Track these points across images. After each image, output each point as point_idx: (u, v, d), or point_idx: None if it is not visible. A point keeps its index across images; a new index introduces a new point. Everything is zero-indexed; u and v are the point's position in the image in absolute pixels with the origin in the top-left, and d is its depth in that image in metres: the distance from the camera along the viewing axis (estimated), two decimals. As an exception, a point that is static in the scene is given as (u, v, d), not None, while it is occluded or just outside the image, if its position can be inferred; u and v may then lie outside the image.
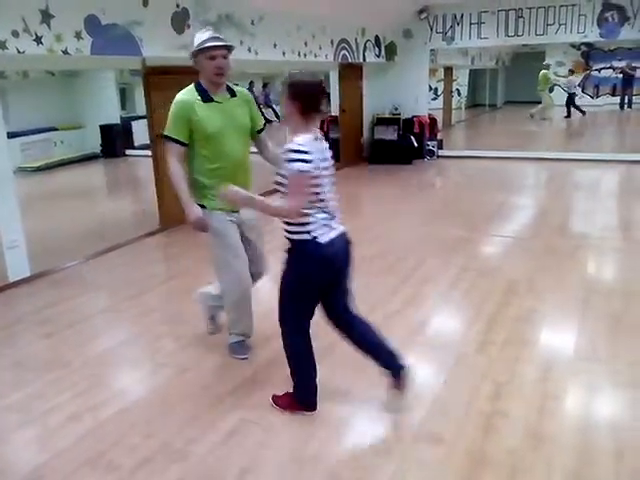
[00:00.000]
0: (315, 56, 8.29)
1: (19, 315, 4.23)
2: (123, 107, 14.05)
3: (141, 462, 2.51)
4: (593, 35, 9.42)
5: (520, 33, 9.71)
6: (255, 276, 3.34)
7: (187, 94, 3.08)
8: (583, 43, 18.17)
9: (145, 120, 6.45)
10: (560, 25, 9.44)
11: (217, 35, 3.06)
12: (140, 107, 12.03)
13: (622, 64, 19.05)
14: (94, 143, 12.67)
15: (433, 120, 10.92)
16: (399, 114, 10.41)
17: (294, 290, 2.62)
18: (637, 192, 7.87)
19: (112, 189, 10.58)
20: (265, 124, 3.43)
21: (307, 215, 2.45)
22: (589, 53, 20.65)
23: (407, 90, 10.60)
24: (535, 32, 9.61)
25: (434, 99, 16.12)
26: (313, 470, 2.43)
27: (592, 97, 20.99)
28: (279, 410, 2.82)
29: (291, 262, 2.58)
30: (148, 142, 6.52)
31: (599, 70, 20.81)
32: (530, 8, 9.53)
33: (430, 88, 12.93)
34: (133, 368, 3.48)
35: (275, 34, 7.26)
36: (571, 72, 17.38)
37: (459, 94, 19.09)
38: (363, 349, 2.76)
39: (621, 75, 19.03)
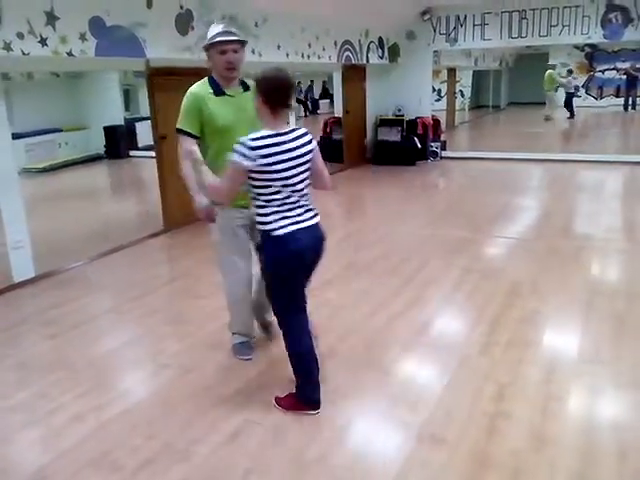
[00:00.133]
0: (319, 57, 8.31)
1: (23, 316, 4.25)
2: (127, 108, 14.09)
3: (144, 462, 2.51)
4: (597, 36, 9.40)
5: (524, 34, 9.70)
6: None
7: (199, 87, 3.08)
8: (587, 44, 18.15)
9: (149, 121, 6.47)
10: (564, 26, 9.42)
11: (229, 29, 3.02)
12: (144, 108, 12.03)
13: (626, 65, 19.04)
14: (98, 144, 12.71)
15: (436, 121, 10.91)
16: (402, 115, 10.40)
17: (272, 275, 2.71)
18: (641, 193, 7.85)
19: (116, 190, 10.61)
20: None
21: (265, 207, 2.54)
22: (593, 54, 20.62)
23: (410, 91, 10.60)
24: (539, 33, 9.60)
25: (437, 100, 16.11)
26: (316, 471, 2.43)
27: (596, 98, 20.97)
28: (282, 411, 2.83)
29: (262, 250, 2.67)
30: (152, 143, 6.53)
31: (603, 71, 20.77)
32: (534, 9, 9.52)
33: (433, 89, 12.94)
34: (136, 369, 3.48)
35: (279, 36, 7.28)
36: (569, 73, 17.36)
37: (462, 95, 19.07)
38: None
39: (625, 76, 19.01)
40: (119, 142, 12.70)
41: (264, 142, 2.45)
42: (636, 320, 3.75)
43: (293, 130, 2.58)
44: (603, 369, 3.17)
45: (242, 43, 3.05)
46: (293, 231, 2.55)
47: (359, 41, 9.41)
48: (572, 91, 16.99)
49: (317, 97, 24.55)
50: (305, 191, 2.62)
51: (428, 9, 10.01)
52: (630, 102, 18.75)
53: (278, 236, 2.53)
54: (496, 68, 20.10)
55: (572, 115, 16.85)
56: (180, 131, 3.07)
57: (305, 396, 2.81)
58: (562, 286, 4.38)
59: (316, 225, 2.67)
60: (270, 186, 2.50)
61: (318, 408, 2.81)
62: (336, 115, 10.98)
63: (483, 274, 4.71)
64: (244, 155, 2.42)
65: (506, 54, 20.15)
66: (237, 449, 2.58)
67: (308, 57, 8.04)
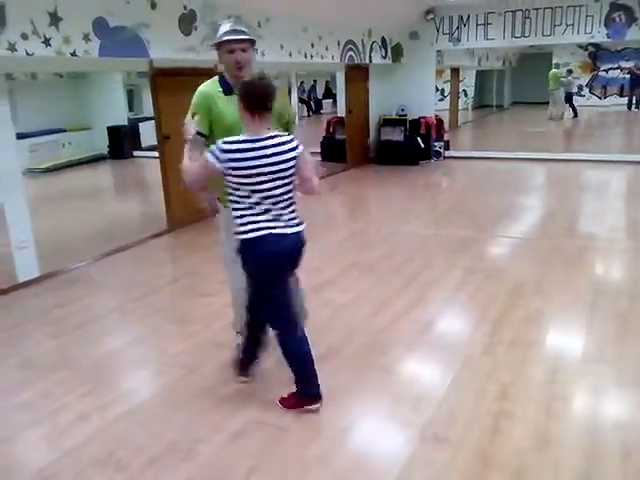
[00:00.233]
0: (322, 57, 8.31)
1: (28, 315, 4.27)
2: (130, 109, 14.12)
3: (149, 461, 2.52)
4: (600, 36, 9.38)
5: (527, 34, 9.69)
6: None
7: (209, 86, 3.06)
8: (590, 44, 18.11)
9: (152, 122, 6.48)
10: (567, 26, 9.40)
11: (237, 28, 2.95)
12: (147, 109, 12.08)
13: (629, 64, 19.00)
14: (102, 144, 12.73)
15: (440, 121, 10.91)
16: (406, 115, 10.40)
17: (251, 275, 2.75)
18: (645, 193, 7.83)
19: (120, 190, 10.63)
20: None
21: (236, 209, 2.61)
22: (596, 54, 20.57)
23: (414, 91, 10.59)
24: (542, 33, 9.58)
25: (441, 100, 16.11)
26: (319, 470, 2.43)
27: (600, 98, 20.93)
28: (285, 410, 2.83)
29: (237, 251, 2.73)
30: (155, 143, 6.54)
31: (606, 71, 20.73)
32: (537, 9, 9.50)
33: (437, 89, 12.93)
34: (140, 368, 3.49)
35: (282, 36, 7.28)
36: (569, 72, 17.32)
37: (466, 95, 19.07)
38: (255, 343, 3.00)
39: (629, 75, 18.97)
40: (123, 142, 12.72)
41: (236, 146, 2.51)
42: (640, 320, 3.75)
43: (276, 136, 2.59)
44: (607, 369, 3.16)
45: (251, 42, 2.99)
46: (263, 235, 2.58)
47: (362, 41, 9.40)
48: (573, 90, 16.94)
49: (320, 97, 24.57)
50: (284, 197, 2.61)
51: (431, 9, 10.01)
52: (634, 101, 18.70)
53: (245, 239, 2.60)
54: (499, 68, 20.06)
55: (575, 114, 16.82)
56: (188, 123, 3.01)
57: (305, 392, 2.83)
58: (566, 286, 4.38)
59: (295, 233, 2.66)
60: (239, 189, 2.56)
61: (320, 400, 2.82)
62: (339, 115, 10.99)
63: (486, 274, 4.70)
64: (216, 157, 2.52)
65: (509, 54, 20.12)
66: (241, 448, 2.59)
67: (311, 57, 8.04)
